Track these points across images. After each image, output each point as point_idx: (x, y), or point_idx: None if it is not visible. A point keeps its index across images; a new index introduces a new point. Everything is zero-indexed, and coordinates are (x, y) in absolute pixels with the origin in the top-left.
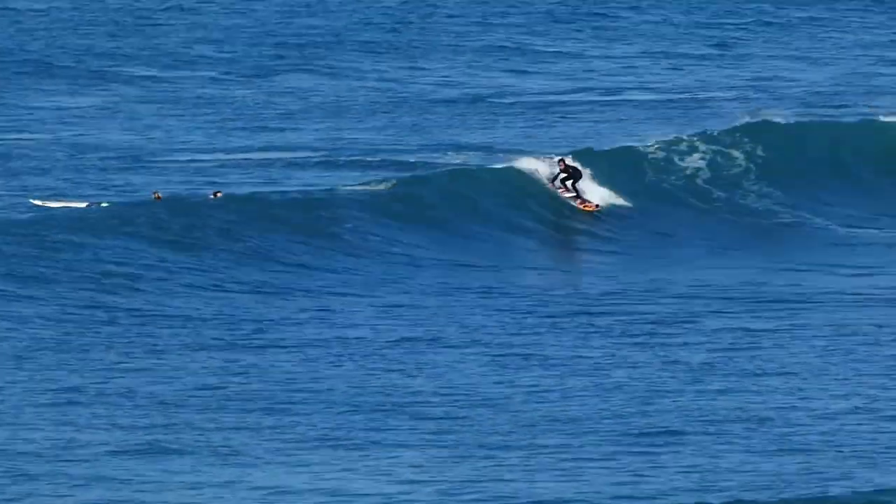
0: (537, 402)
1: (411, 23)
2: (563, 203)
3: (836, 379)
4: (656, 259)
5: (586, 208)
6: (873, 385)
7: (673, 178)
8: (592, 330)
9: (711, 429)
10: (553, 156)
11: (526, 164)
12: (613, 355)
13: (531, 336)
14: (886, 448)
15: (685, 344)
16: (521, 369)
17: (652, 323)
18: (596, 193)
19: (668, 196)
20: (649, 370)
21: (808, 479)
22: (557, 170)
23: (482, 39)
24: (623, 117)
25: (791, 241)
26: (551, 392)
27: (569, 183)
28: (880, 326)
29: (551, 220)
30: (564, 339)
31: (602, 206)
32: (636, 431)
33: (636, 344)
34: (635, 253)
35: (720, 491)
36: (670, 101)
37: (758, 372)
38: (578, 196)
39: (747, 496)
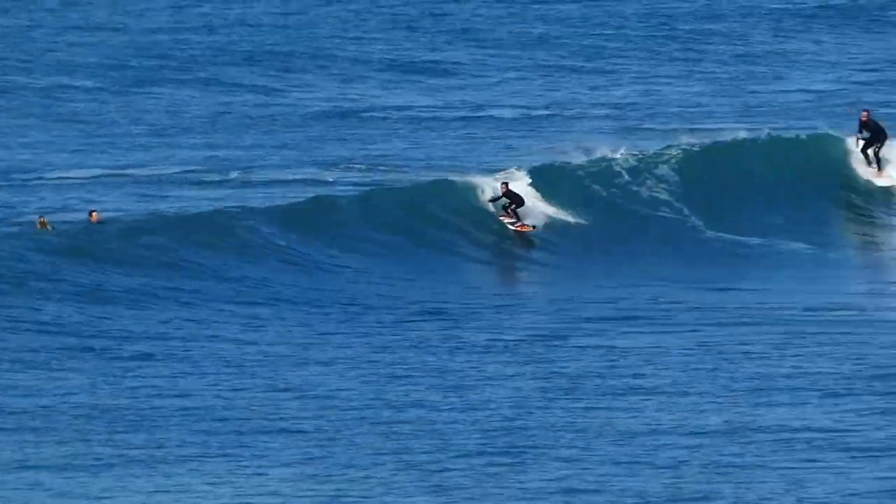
0: (405, 417)
1: (292, 35)
2: (473, 216)
3: (706, 395)
4: (558, 274)
5: (523, 229)
6: (744, 402)
7: (597, 194)
8: (462, 344)
9: (580, 443)
10: (495, 177)
11: (460, 178)
12: (483, 370)
13: (399, 350)
14: (754, 465)
15: (559, 359)
16: (390, 383)
17: (528, 338)
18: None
19: (587, 212)
20: (519, 385)
21: (675, 494)
22: (500, 193)
23: (359, 52)
24: (492, 134)
25: (700, 257)
26: (420, 407)
27: (510, 209)
28: (775, 344)
29: (459, 232)
30: (433, 354)
31: (537, 226)
32: (503, 446)
33: (507, 361)
34: (536, 268)
35: None
36: (542, 116)
37: (632, 388)
38: (518, 219)
39: None
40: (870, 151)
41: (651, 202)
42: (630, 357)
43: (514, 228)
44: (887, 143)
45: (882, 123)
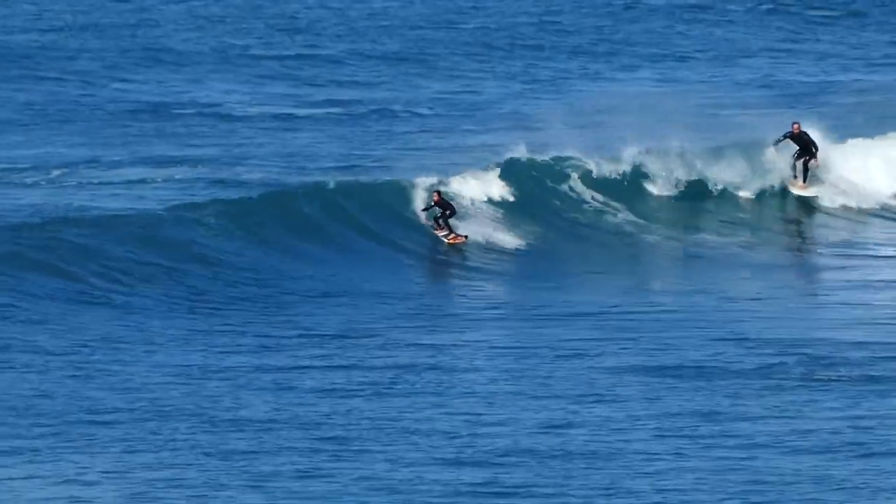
0: (219, 411)
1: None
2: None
3: (529, 394)
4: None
5: (456, 241)
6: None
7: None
8: (277, 339)
9: (399, 440)
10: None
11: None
12: (298, 365)
13: (217, 346)
14: (573, 455)
15: (375, 357)
16: (205, 379)
17: (343, 336)
18: None
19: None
20: (333, 379)
21: (491, 487)
22: (432, 202)
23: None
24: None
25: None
26: (234, 398)
27: (442, 220)
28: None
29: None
30: (246, 350)
31: (469, 238)
32: (318, 438)
33: (324, 355)
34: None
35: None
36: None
37: (448, 386)
38: (451, 231)
39: None
40: (799, 163)
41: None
42: (442, 355)
43: (447, 241)
44: (818, 156)
45: (812, 136)
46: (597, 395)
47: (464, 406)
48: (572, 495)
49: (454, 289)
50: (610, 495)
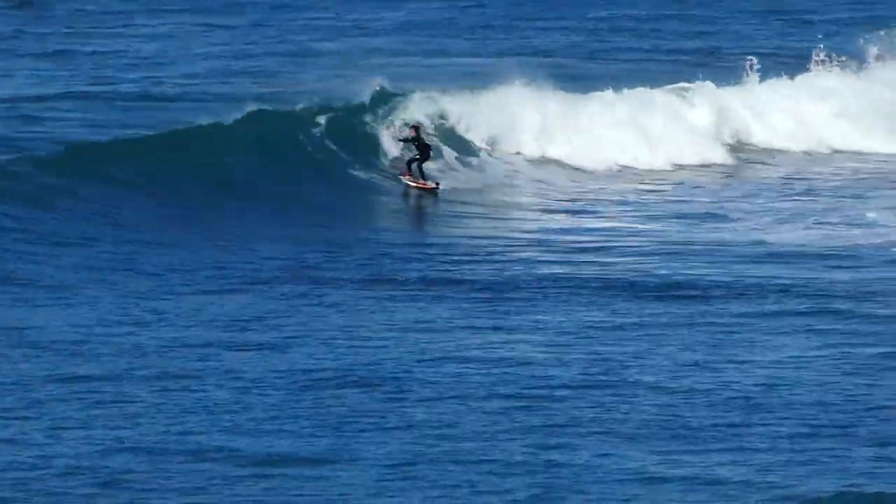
0: None
1: None
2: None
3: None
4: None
5: (425, 187)
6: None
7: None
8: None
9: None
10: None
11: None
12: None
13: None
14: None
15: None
16: None
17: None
18: None
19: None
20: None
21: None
22: (408, 135)
23: None
24: None
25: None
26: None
27: (415, 164)
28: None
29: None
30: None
31: (440, 183)
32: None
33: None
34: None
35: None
36: None
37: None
38: (421, 176)
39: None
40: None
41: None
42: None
43: (414, 185)
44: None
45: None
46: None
47: None
48: None
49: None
50: None
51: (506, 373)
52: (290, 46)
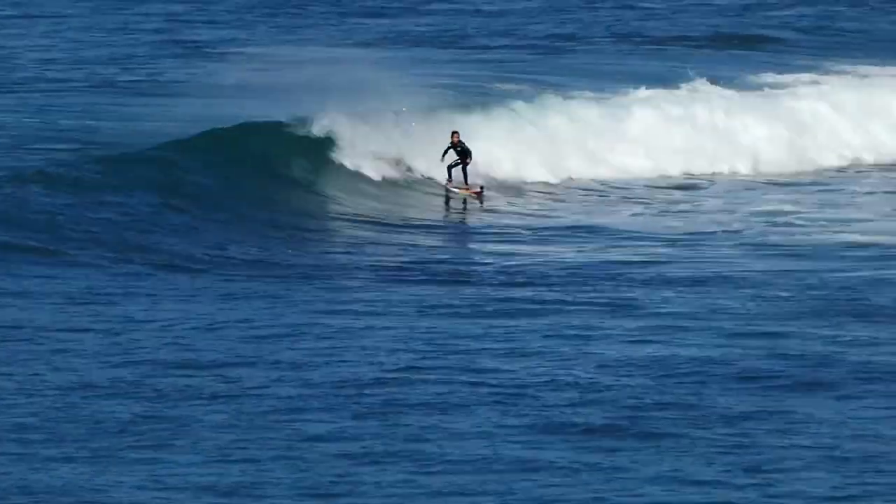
0: None
1: None
2: None
3: None
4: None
5: (469, 192)
6: None
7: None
8: None
9: None
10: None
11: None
12: None
13: None
14: None
15: None
16: None
17: None
18: None
19: None
20: None
21: None
22: (448, 144)
23: None
24: None
25: None
26: None
27: (454, 165)
28: None
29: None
30: None
31: (485, 187)
32: None
33: None
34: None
35: None
36: None
37: None
38: (465, 182)
39: None
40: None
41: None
42: None
43: (457, 191)
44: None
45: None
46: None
47: None
48: None
49: None
50: None
51: None
52: None
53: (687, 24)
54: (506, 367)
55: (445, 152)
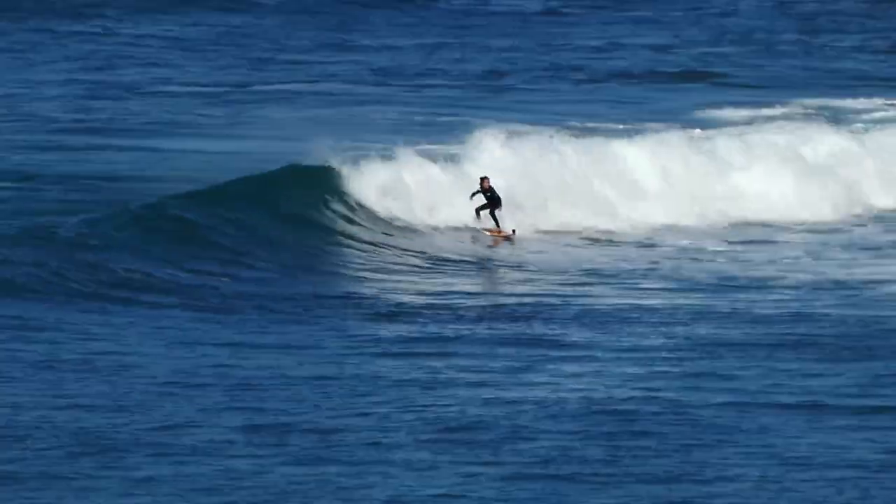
0: None
1: None
2: None
3: None
4: None
5: (500, 236)
6: None
7: None
8: None
9: None
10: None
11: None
12: None
13: None
14: None
15: None
16: None
17: None
18: None
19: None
20: None
21: None
22: (478, 189)
23: None
24: None
25: None
26: None
27: (484, 210)
28: None
29: None
30: None
31: (516, 231)
32: None
33: None
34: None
35: None
36: None
37: None
38: (496, 225)
39: None
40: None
41: None
42: None
43: (489, 233)
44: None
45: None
46: None
47: None
48: None
49: None
50: None
51: None
52: None
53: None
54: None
55: (474, 195)
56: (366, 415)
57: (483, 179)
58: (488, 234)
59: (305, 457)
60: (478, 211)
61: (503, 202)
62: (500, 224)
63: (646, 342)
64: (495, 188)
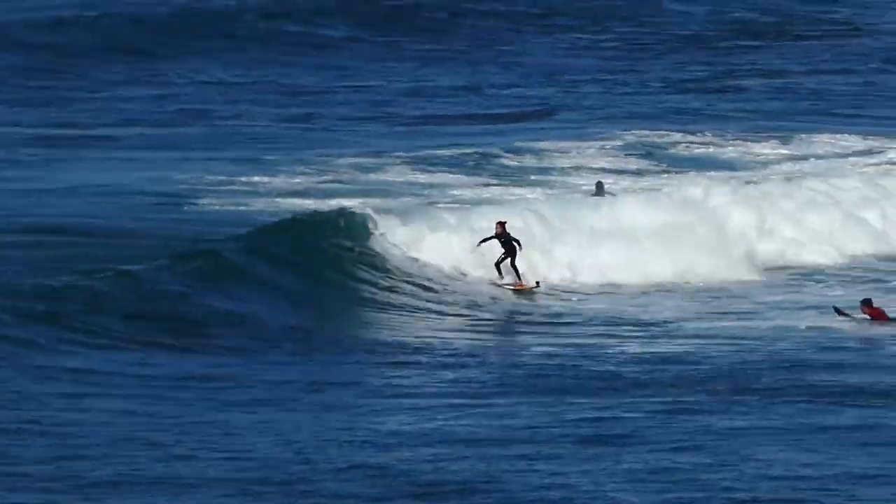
0: None
1: None
2: None
3: None
4: None
5: (521, 288)
6: None
7: None
8: None
9: None
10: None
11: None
12: None
13: None
14: None
15: None
16: None
17: None
18: None
19: None
20: None
21: None
22: (492, 234)
23: None
24: None
25: None
26: None
27: (502, 260)
28: None
29: None
30: None
31: (540, 283)
32: None
33: None
34: None
35: None
36: None
37: None
38: (517, 276)
39: None
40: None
41: None
42: None
43: (511, 288)
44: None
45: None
46: None
47: None
48: None
49: None
50: None
51: None
52: None
53: None
54: None
55: (485, 241)
56: None
57: (499, 224)
58: (510, 288)
59: None
60: (498, 267)
61: (522, 244)
62: (522, 278)
63: None
64: (511, 233)
